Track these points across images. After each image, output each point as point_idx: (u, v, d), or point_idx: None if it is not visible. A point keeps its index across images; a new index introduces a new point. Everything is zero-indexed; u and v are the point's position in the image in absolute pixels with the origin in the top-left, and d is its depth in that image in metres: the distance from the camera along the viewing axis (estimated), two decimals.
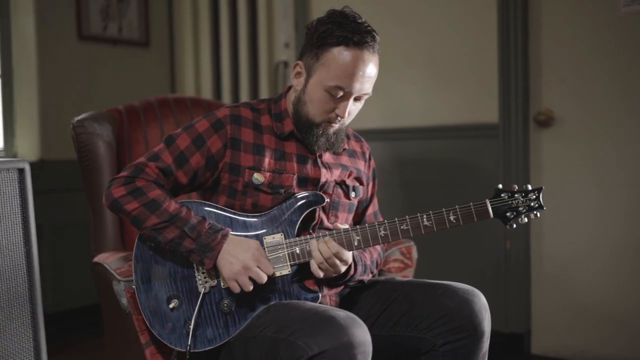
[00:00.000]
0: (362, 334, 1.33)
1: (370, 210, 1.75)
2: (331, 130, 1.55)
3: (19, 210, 1.24)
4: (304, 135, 1.55)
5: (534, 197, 1.51)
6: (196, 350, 1.46)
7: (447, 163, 2.85)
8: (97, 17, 3.38)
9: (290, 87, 1.63)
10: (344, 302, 1.63)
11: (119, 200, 1.48)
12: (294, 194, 1.54)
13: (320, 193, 1.55)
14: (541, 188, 1.52)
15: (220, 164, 1.54)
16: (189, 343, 1.45)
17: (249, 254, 1.44)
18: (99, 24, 3.39)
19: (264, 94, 3.45)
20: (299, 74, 1.55)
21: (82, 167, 1.98)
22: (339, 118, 1.53)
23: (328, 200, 1.58)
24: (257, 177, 1.53)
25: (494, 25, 2.71)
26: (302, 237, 1.51)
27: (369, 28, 1.49)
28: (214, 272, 1.49)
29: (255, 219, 1.52)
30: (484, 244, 2.76)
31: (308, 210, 1.53)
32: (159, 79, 3.71)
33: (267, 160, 1.54)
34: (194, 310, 1.47)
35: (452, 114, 2.84)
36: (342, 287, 1.63)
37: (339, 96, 1.49)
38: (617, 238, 2.52)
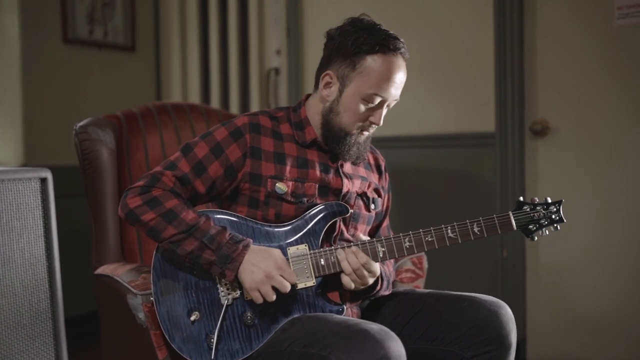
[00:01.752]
0: (397, 348, 1.30)
1: (385, 224, 1.73)
2: (362, 138, 1.54)
3: (41, 222, 1.19)
4: (335, 145, 1.53)
5: (555, 209, 1.52)
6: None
7: (443, 172, 2.85)
8: (83, 21, 3.29)
9: (308, 96, 1.61)
10: (365, 314, 1.60)
11: (134, 210, 1.43)
12: (317, 203, 1.51)
13: (344, 203, 1.53)
14: (561, 201, 1.54)
15: (240, 173, 1.50)
16: (212, 357, 1.40)
17: (270, 262, 1.41)
18: (84, 27, 3.30)
19: (254, 101, 3.41)
20: (328, 84, 1.53)
21: (85, 175, 1.91)
22: (373, 125, 1.52)
23: (352, 210, 1.55)
24: (280, 187, 1.50)
25: (490, 35, 2.73)
26: (327, 248, 1.48)
27: (396, 34, 1.50)
28: (237, 283, 1.45)
29: (279, 229, 1.49)
30: (481, 252, 2.77)
31: (332, 221, 1.50)
32: (145, 84, 3.63)
33: (289, 168, 1.51)
34: (215, 323, 1.43)
35: (449, 122, 2.84)
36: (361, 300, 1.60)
37: (375, 103, 1.49)
38: (612, 246, 2.55)
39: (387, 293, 1.60)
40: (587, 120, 2.59)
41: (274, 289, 1.40)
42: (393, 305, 1.60)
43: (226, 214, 1.49)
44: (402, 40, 1.51)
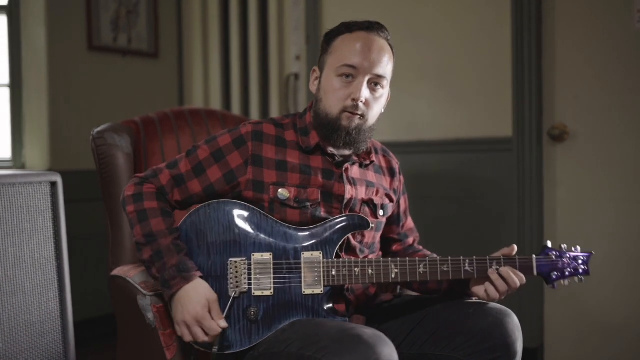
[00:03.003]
0: (389, 352, 1.31)
1: (407, 226, 1.73)
2: (352, 124, 1.51)
3: (51, 224, 1.23)
4: (325, 134, 1.53)
5: (582, 261, 1.50)
6: (216, 352, 1.44)
7: (460, 177, 2.85)
8: (108, 28, 3.37)
9: (314, 102, 1.62)
10: (371, 320, 1.61)
11: (126, 198, 1.52)
12: (321, 209, 1.52)
13: (365, 217, 1.53)
14: (591, 253, 1.50)
15: (242, 180, 1.53)
16: (215, 345, 1.43)
17: (200, 306, 1.41)
18: (109, 34, 3.38)
19: (274, 106, 3.44)
20: (316, 78, 1.58)
21: (102, 179, 1.96)
22: (354, 103, 1.49)
23: (373, 225, 1.56)
24: (283, 193, 1.52)
25: (507, 39, 2.71)
26: (341, 260, 1.49)
27: (375, 22, 1.54)
28: (246, 277, 1.47)
29: (297, 232, 1.51)
30: None
31: (351, 233, 1.52)
32: (167, 90, 3.70)
33: (290, 175, 1.53)
34: (221, 312, 1.46)
35: (466, 127, 2.84)
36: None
37: (350, 78, 1.50)
38: (631, 253, 2.52)
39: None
40: (606, 125, 2.56)
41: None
42: (399, 313, 1.60)
43: (248, 208, 1.52)
44: (381, 24, 1.54)
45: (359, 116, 1.51)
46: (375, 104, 1.54)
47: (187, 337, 1.44)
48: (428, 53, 2.91)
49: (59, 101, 3.20)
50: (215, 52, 3.65)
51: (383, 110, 1.61)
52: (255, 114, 3.52)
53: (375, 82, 1.51)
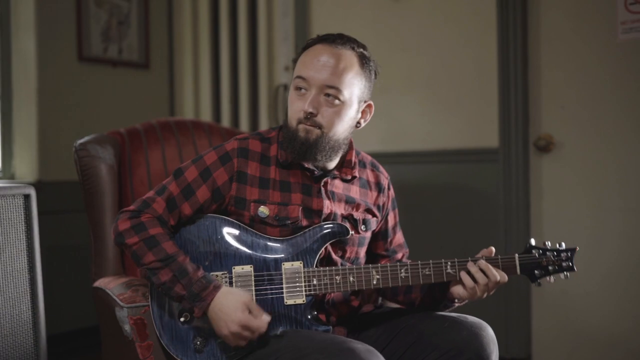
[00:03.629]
0: None
1: (397, 241, 1.72)
2: (311, 136, 1.49)
3: (24, 237, 1.23)
4: (286, 145, 1.53)
5: (566, 257, 1.50)
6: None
7: (447, 187, 2.85)
8: (98, 39, 3.38)
9: None
10: (351, 332, 1.61)
11: (122, 233, 1.48)
12: (302, 226, 1.52)
13: (345, 225, 1.53)
14: (575, 249, 1.50)
15: (227, 197, 1.53)
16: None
17: (239, 310, 1.40)
18: (99, 45, 3.39)
19: (263, 117, 3.45)
20: None
21: (84, 191, 1.97)
22: (304, 114, 1.48)
23: (353, 232, 1.55)
24: (263, 210, 1.52)
25: (493, 50, 2.73)
26: (321, 269, 1.50)
27: (338, 34, 1.53)
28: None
29: (277, 244, 1.51)
30: None
31: (331, 241, 1.52)
32: (158, 101, 3.71)
33: (272, 192, 1.53)
34: (204, 326, 1.46)
35: (453, 138, 2.84)
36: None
37: (304, 90, 1.50)
38: (615, 261, 2.52)
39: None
40: (592, 135, 2.56)
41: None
42: (377, 325, 1.60)
43: (230, 222, 1.52)
44: (341, 34, 1.53)
45: (316, 128, 1.49)
46: (334, 115, 1.49)
47: (238, 343, 1.42)
48: (415, 64, 2.92)
49: (49, 112, 3.20)
50: (206, 63, 3.66)
51: (362, 123, 1.59)
52: (245, 125, 3.53)
53: (327, 94, 1.49)
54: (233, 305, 1.40)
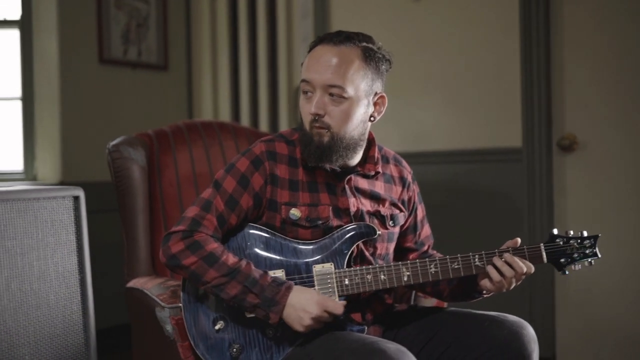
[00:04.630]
0: None
1: (424, 234, 1.73)
2: (324, 139, 1.50)
3: (74, 238, 1.25)
4: (303, 150, 1.53)
5: (589, 244, 1.50)
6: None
7: (469, 188, 2.86)
8: (118, 41, 3.41)
9: None
10: (387, 332, 1.62)
11: (177, 255, 1.45)
12: (333, 226, 1.53)
13: (372, 225, 1.54)
14: (597, 236, 1.51)
15: (264, 200, 1.54)
16: None
17: (312, 303, 1.42)
18: (119, 47, 3.41)
19: (283, 117, 3.47)
20: None
21: (118, 192, 1.99)
22: (312, 116, 1.49)
23: (380, 232, 1.56)
24: (294, 213, 1.52)
25: (516, 49, 2.73)
26: (352, 269, 1.50)
27: (341, 30, 1.52)
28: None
29: (306, 247, 1.52)
30: None
31: (359, 242, 1.53)
32: (176, 102, 3.73)
33: (301, 194, 1.54)
34: (239, 334, 1.47)
35: (475, 138, 2.85)
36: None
37: (309, 93, 1.50)
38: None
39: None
40: (616, 135, 2.57)
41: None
42: (414, 324, 1.60)
43: (258, 228, 1.53)
44: (342, 31, 1.51)
45: (325, 129, 1.49)
46: (342, 113, 1.48)
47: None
48: (437, 64, 2.93)
49: (71, 113, 3.23)
50: (224, 64, 3.68)
51: (376, 116, 1.57)
52: (264, 126, 3.54)
53: (331, 93, 1.47)
54: (307, 301, 1.41)
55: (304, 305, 1.42)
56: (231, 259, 1.45)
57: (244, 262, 1.46)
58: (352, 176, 1.57)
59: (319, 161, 1.51)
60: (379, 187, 1.62)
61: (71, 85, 3.22)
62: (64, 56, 3.19)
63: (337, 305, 1.43)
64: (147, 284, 1.73)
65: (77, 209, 1.26)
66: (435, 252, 1.77)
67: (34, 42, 3.23)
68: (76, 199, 1.26)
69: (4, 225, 1.16)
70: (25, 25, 3.22)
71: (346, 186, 1.56)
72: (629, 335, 2.55)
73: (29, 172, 3.26)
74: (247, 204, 1.52)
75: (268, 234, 1.52)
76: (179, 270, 1.47)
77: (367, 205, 1.58)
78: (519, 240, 1.54)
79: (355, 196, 1.57)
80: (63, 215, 1.24)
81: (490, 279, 1.50)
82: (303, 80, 1.50)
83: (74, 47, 3.23)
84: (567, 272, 1.51)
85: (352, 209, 1.55)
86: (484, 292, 1.57)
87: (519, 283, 1.52)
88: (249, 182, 1.53)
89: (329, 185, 1.55)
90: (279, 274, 1.49)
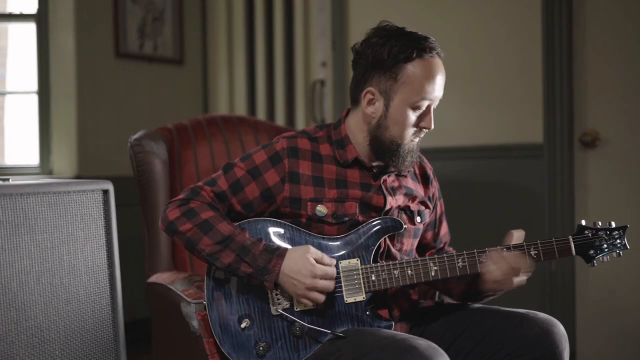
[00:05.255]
0: None
1: (443, 230, 1.72)
2: (414, 145, 1.54)
3: (103, 232, 1.23)
4: (389, 159, 1.52)
5: (618, 235, 1.48)
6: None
7: (490, 183, 2.83)
8: (134, 35, 3.39)
9: (348, 111, 1.61)
10: (414, 328, 1.60)
11: (174, 222, 1.47)
12: (360, 221, 1.51)
13: (398, 219, 1.52)
14: (626, 227, 1.48)
15: (279, 198, 1.52)
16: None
17: (306, 270, 1.41)
18: (135, 42, 3.40)
19: (299, 113, 3.44)
20: (371, 101, 1.52)
21: (140, 186, 1.97)
22: (424, 130, 1.53)
23: (406, 226, 1.54)
24: (320, 209, 1.51)
25: (538, 44, 2.70)
26: (379, 264, 1.49)
27: (425, 34, 1.50)
28: (287, 294, 1.47)
29: (331, 242, 1.50)
30: None
31: (385, 236, 1.51)
32: (192, 97, 3.71)
33: (327, 190, 1.52)
34: (265, 331, 1.45)
35: (496, 133, 2.82)
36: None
37: (424, 109, 1.50)
38: None
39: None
40: (639, 132, 2.53)
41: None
42: (442, 320, 1.59)
43: (280, 224, 1.51)
44: (432, 38, 1.50)
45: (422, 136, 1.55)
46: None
47: (309, 305, 1.45)
48: (458, 59, 2.89)
49: (87, 108, 3.22)
50: (240, 59, 3.66)
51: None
52: (280, 121, 3.52)
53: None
54: (298, 263, 1.41)
55: (296, 273, 1.41)
56: (226, 226, 1.45)
57: (238, 230, 1.45)
58: (386, 176, 1.56)
59: (411, 166, 1.57)
60: (409, 183, 1.62)
61: (87, 79, 3.21)
62: (80, 50, 3.18)
63: (328, 271, 1.43)
64: (170, 279, 1.72)
65: (106, 202, 1.25)
66: (452, 249, 1.75)
67: (50, 36, 3.22)
68: (105, 192, 1.25)
69: (35, 219, 1.14)
70: (41, 19, 3.22)
71: (382, 185, 1.55)
72: None
73: (45, 166, 3.26)
74: (252, 194, 1.52)
75: (292, 229, 1.51)
76: (176, 238, 1.48)
77: (400, 200, 1.58)
78: (521, 233, 1.53)
79: (391, 194, 1.56)
80: (92, 209, 1.23)
81: (493, 281, 1.49)
82: (426, 99, 1.48)
83: (91, 41, 3.22)
84: (595, 264, 1.49)
85: (387, 207, 1.54)
86: (486, 293, 1.56)
87: (520, 279, 1.50)
88: (261, 175, 1.52)
89: (364, 184, 1.54)
90: None
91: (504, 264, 1.47)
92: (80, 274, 1.18)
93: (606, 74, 2.60)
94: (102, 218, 1.24)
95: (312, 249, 1.45)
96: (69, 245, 1.18)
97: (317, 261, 1.43)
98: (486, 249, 1.49)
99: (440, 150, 2.93)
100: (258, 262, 1.42)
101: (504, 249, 1.49)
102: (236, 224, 1.50)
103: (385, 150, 1.52)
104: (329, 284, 1.43)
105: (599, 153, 2.62)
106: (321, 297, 1.43)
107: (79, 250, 1.19)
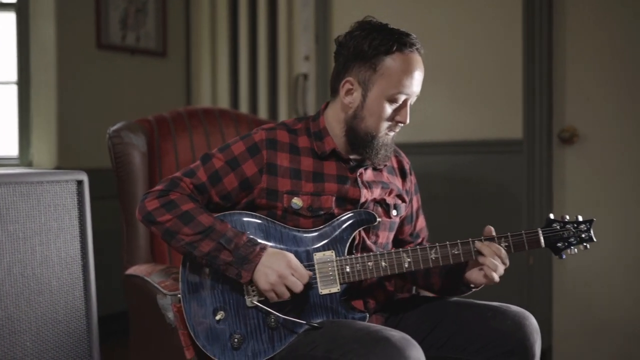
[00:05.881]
0: (418, 356, 1.31)
1: (420, 225, 1.73)
2: (388, 139, 1.55)
3: (77, 223, 1.23)
4: (362, 150, 1.53)
5: (585, 228, 1.50)
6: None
7: (470, 179, 2.85)
8: (116, 27, 3.37)
9: (327, 104, 1.61)
10: (390, 321, 1.61)
11: (152, 212, 1.47)
12: (335, 214, 1.52)
13: (372, 212, 1.53)
14: (592, 220, 1.51)
15: (256, 189, 1.53)
16: (236, 357, 1.43)
17: (283, 264, 1.43)
18: (117, 33, 3.38)
19: (282, 106, 3.44)
20: (350, 91, 1.52)
21: (118, 178, 1.97)
22: (399, 125, 1.53)
23: (380, 219, 1.55)
24: (296, 202, 1.51)
25: (518, 42, 2.72)
26: (353, 256, 1.49)
27: (406, 31, 1.52)
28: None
29: (307, 235, 1.51)
30: None
31: (359, 229, 1.52)
32: (175, 89, 3.70)
33: (304, 183, 1.53)
34: (240, 324, 1.46)
35: (476, 129, 2.84)
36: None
37: (400, 102, 1.50)
38: (638, 255, 2.53)
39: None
40: (616, 128, 2.57)
41: (288, 288, 1.43)
42: (417, 313, 1.60)
43: (256, 216, 1.52)
44: (414, 35, 1.51)
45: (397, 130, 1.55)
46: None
47: (274, 299, 1.44)
48: (439, 55, 2.91)
49: (68, 99, 3.20)
50: (224, 51, 3.65)
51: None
52: (263, 114, 3.52)
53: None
54: (277, 261, 1.42)
55: (272, 264, 1.42)
56: (206, 217, 1.45)
57: (218, 222, 1.46)
58: (362, 169, 1.57)
59: (384, 160, 1.56)
60: (385, 177, 1.63)
61: (68, 70, 3.19)
62: (61, 40, 3.16)
63: (304, 274, 1.44)
64: (147, 271, 1.72)
65: (80, 193, 1.24)
66: (429, 244, 1.76)
67: (31, 26, 3.19)
68: (80, 183, 1.24)
69: (6, 209, 1.14)
70: (22, 8, 3.18)
71: (359, 178, 1.56)
72: (626, 329, 2.56)
73: (24, 158, 3.23)
74: (231, 185, 1.52)
75: (267, 222, 1.51)
76: (153, 227, 1.47)
77: (376, 193, 1.59)
78: (492, 228, 1.54)
79: (367, 187, 1.56)
80: (66, 199, 1.22)
81: (484, 275, 1.50)
82: (403, 93, 1.49)
83: (72, 32, 3.19)
84: (564, 256, 1.51)
85: (362, 200, 1.55)
86: (472, 285, 1.57)
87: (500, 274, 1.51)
88: (239, 166, 1.52)
89: (340, 177, 1.55)
90: None
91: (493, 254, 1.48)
92: (53, 264, 1.18)
93: (584, 71, 2.63)
94: (76, 209, 1.24)
95: (294, 257, 1.46)
96: (41, 236, 1.17)
97: (295, 267, 1.44)
98: (457, 241, 1.50)
99: (421, 145, 2.95)
100: (240, 251, 1.42)
101: (480, 241, 1.50)
102: (215, 215, 1.50)
103: (360, 141, 1.52)
104: (298, 283, 1.43)
105: (576, 149, 2.65)
106: (286, 293, 1.43)
107: (51, 241, 1.18)
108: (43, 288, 1.17)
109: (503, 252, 1.48)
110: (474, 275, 1.52)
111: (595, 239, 1.50)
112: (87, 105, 3.27)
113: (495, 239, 1.50)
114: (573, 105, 2.66)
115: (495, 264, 1.47)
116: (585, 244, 1.51)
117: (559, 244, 1.50)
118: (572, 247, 1.50)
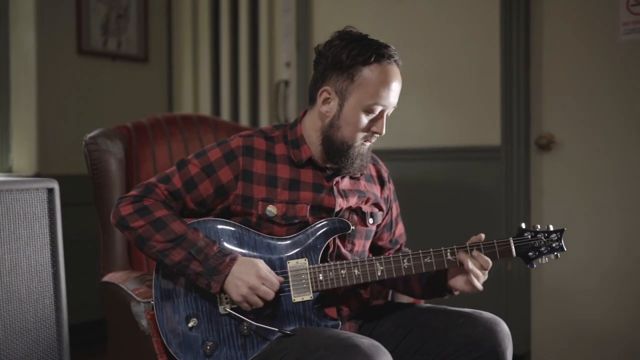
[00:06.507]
0: None
1: (398, 232, 1.74)
2: (364, 149, 1.55)
3: (48, 231, 1.23)
4: (338, 159, 1.53)
5: (556, 238, 1.52)
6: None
7: (448, 185, 2.87)
8: (97, 32, 3.36)
9: (305, 112, 1.62)
10: (363, 327, 1.62)
11: (125, 217, 1.47)
12: (310, 223, 1.53)
13: (346, 220, 1.54)
14: (563, 230, 1.53)
15: (231, 195, 1.53)
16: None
17: (253, 274, 1.43)
18: (98, 38, 3.37)
19: (264, 113, 3.45)
20: (327, 100, 1.53)
21: (94, 184, 1.96)
22: (375, 135, 1.53)
23: (354, 227, 1.56)
24: (271, 209, 1.52)
25: (496, 48, 2.75)
26: (327, 264, 1.50)
27: (386, 43, 1.53)
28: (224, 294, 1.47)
29: (280, 242, 1.52)
30: None
31: (333, 237, 1.53)
32: (157, 95, 3.69)
33: (280, 191, 1.53)
34: (213, 331, 1.46)
35: (454, 135, 2.87)
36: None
37: (376, 113, 1.51)
38: (614, 259, 2.56)
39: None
40: (593, 135, 2.60)
41: (260, 297, 1.44)
42: (391, 320, 1.61)
43: (230, 224, 1.52)
44: (393, 47, 1.53)
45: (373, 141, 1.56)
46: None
47: (248, 309, 1.45)
48: (418, 61, 2.93)
49: (48, 105, 3.18)
50: (205, 58, 3.65)
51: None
52: (245, 120, 3.52)
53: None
54: (247, 267, 1.43)
55: (242, 274, 1.42)
56: (179, 225, 1.46)
57: (191, 230, 1.46)
58: (339, 178, 1.58)
59: (360, 170, 1.57)
60: (362, 186, 1.63)
61: (49, 76, 3.17)
62: (42, 46, 3.14)
63: (274, 282, 1.44)
64: (122, 279, 1.72)
65: (51, 201, 1.24)
66: (408, 250, 1.77)
67: (11, 31, 3.17)
68: (50, 191, 1.24)
69: None
70: (1, 13, 3.17)
71: (334, 187, 1.56)
72: (603, 333, 2.59)
73: (4, 164, 3.21)
74: (206, 191, 1.53)
75: (241, 230, 1.52)
76: (126, 233, 1.48)
77: (352, 202, 1.59)
78: (482, 235, 1.55)
79: (342, 196, 1.57)
80: (37, 207, 1.22)
81: (467, 281, 1.51)
82: (379, 105, 1.49)
83: (52, 37, 3.18)
84: (534, 265, 1.53)
85: (337, 209, 1.55)
86: (454, 290, 1.58)
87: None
88: (215, 173, 1.53)
89: (316, 185, 1.55)
90: None
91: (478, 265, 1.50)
92: (22, 272, 1.17)
93: (561, 78, 2.66)
94: (47, 217, 1.23)
95: (264, 264, 1.46)
96: (10, 244, 1.17)
97: (264, 276, 1.44)
98: (430, 249, 1.51)
99: (400, 151, 2.97)
100: (210, 262, 1.42)
101: (453, 250, 1.51)
102: (188, 222, 1.50)
103: (336, 150, 1.53)
104: (270, 292, 1.43)
105: (554, 155, 2.68)
106: (259, 303, 1.43)
107: (21, 249, 1.18)
108: (12, 296, 1.17)
109: (490, 264, 1.50)
110: (458, 283, 1.53)
111: (565, 249, 1.52)
112: (67, 111, 3.26)
113: (468, 248, 1.51)
114: (550, 112, 2.69)
115: (478, 273, 1.49)
116: (556, 253, 1.52)
117: (530, 253, 1.52)
118: (543, 257, 1.52)
